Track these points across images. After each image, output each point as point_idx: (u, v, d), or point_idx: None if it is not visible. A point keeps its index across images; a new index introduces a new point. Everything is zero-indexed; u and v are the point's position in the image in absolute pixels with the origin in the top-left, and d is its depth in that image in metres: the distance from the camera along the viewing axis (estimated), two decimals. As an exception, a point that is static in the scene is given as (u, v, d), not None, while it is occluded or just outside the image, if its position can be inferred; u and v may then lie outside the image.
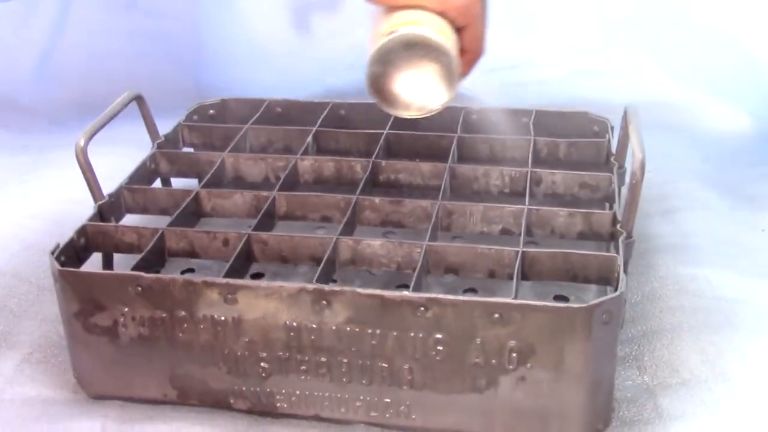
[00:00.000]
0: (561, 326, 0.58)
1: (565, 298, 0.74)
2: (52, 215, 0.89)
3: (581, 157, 0.80)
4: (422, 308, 0.59)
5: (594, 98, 1.02)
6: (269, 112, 0.90)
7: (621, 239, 0.65)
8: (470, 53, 0.64)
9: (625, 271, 0.64)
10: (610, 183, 0.74)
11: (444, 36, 0.60)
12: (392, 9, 0.62)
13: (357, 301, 0.60)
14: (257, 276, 0.76)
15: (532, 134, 0.81)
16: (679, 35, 1.09)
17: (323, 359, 0.62)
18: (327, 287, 0.60)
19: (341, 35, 1.15)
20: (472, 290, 0.74)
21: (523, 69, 1.12)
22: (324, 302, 0.60)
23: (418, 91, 0.62)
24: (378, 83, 0.62)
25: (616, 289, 0.60)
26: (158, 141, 0.82)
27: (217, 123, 0.89)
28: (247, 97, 0.91)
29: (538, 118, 0.85)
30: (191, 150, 0.86)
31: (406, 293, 0.59)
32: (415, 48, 0.60)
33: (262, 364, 0.63)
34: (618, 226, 0.66)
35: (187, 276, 0.64)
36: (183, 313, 0.62)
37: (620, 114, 0.74)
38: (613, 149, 0.79)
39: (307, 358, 0.62)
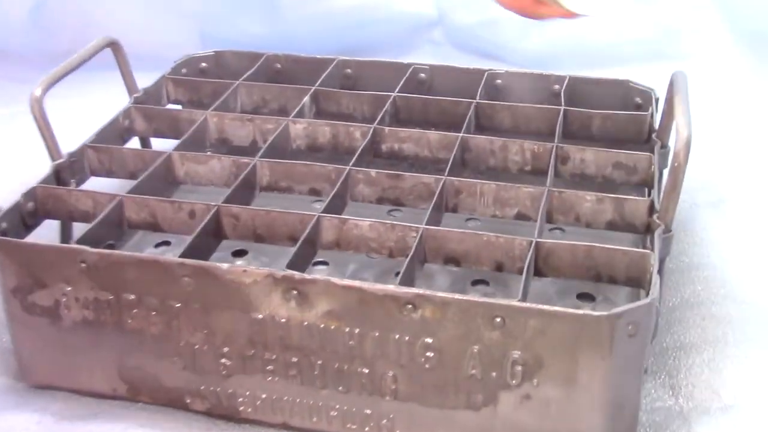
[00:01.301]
0: (576, 337, 0.48)
1: (590, 297, 0.64)
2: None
3: (618, 133, 0.69)
4: (409, 306, 0.50)
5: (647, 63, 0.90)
6: (267, 68, 0.80)
7: (657, 232, 0.55)
8: None
9: (660, 271, 0.54)
10: (650, 164, 0.63)
11: None
12: None
13: (332, 293, 0.51)
14: (240, 254, 0.68)
15: (563, 104, 0.71)
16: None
17: (293, 359, 0.53)
18: (298, 275, 0.51)
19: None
20: (483, 282, 0.65)
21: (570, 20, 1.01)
22: (294, 292, 0.51)
23: None
24: None
25: (647, 294, 0.50)
26: (136, 95, 0.74)
27: (209, 78, 0.80)
28: (244, 51, 0.82)
29: (571, 86, 0.74)
30: (179, 107, 0.77)
31: (389, 287, 0.50)
32: None
33: (222, 360, 0.55)
34: (655, 217, 0.56)
35: (137, 253, 0.56)
36: (132, 296, 0.54)
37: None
38: (657, 125, 0.68)
39: (274, 357, 0.54)
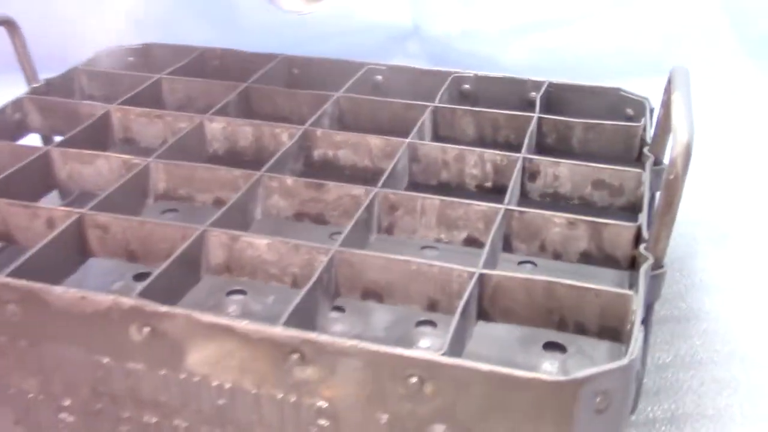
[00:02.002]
0: (522, 410, 0.32)
1: (560, 348, 0.48)
2: None
3: (603, 147, 0.54)
4: (295, 355, 0.34)
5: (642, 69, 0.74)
6: (203, 64, 0.66)
7: (644, 268, 0.39)
8: None
9: (646, 320, 0.38)
10: (639, 183, 0.48)
11: None
12: None
13: (196, 333, 0.35)
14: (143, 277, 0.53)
15: (537, 111, 0.56)
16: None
17: (152, 419, 0.38)
18: (150, 306, 0.36)
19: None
20: (430, 324, 0.49)
21: (555, 28, 0.84)
22: (147, 329, 0.36)
23: None
24: None
25: (625, 353, 0.34)
26: (35, 85, 0.59)
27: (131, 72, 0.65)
28: (178, 44, 0.68)
29: (551, 93, 0.59)
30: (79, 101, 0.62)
31: (270, 329, 0.34)
32: None
33: (62, 415, 0.39)
34: (642, 248, 0.41)
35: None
36: (-54, 325, 0.39)
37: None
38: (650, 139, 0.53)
39: (127, 416, 0.38)
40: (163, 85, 0.61)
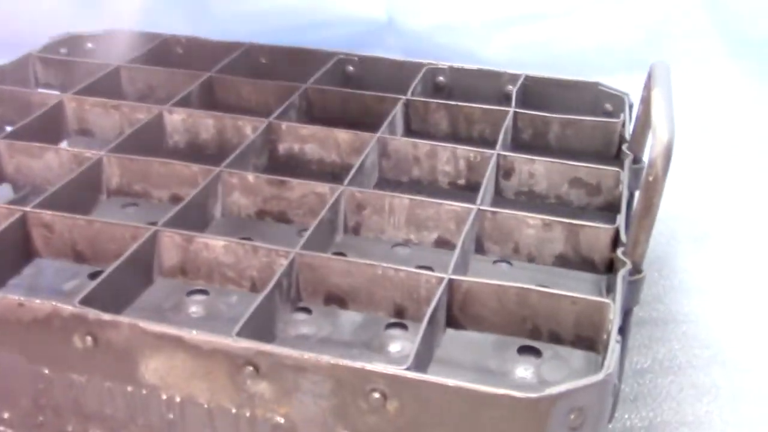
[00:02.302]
0: (488, 428, 0.31)
1: (536, 352, 0.46)
2: None
3: (581, 143, 0.52)
4: (249, 368, 0.32)
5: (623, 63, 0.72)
6: (166, 53, 0.63)
7: (622, 273, 0.37)
8: None
9: (624, 329, 0.37)
10: (618, 182, 0.46)
11: None
12: None
13: (142, 343, 0.33)
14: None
15: (513, 105, 0.54)
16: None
17: None
18: (93, 314, 0.33)
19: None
20: (401, 327, 0.47)
21: (536, 23, 0.82)
22: (89, 339, 0.34)
23: None
24: None
25: (601, 365, 0.33)
26: (-15, 73, 0.56)
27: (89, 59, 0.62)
28: (140, 31, 0.65)
29: (528, 87, 0.57)
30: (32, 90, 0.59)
31: (221, 339, 0.32)
32: None
33: (1, 428, 0.37)
34: (620, 252, 0.39)
35: None
36: None
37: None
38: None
39: (70, 429, 0.36)
40: (122, 74, 0.59)
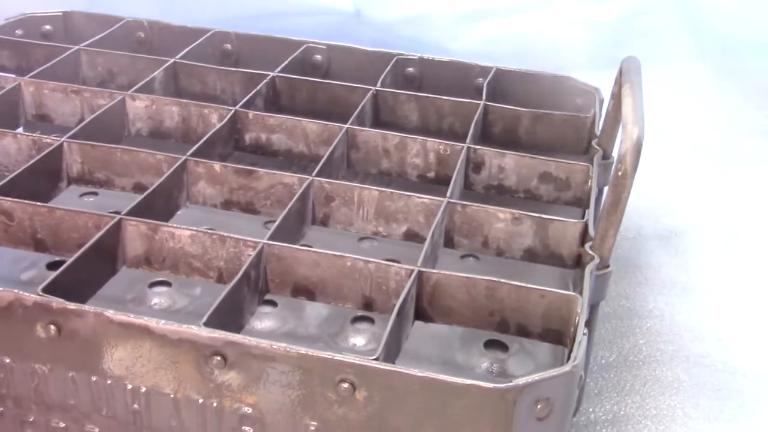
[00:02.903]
0: (459, 418, 0.32)
1: (502, 347, 0.48)
2: None
3: (551, 138, 0.54)
4: (217, 357, 0.33)
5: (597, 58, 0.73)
6: (127, 37, 0.63)
7: (590, 267, 0.39)
8: None
9: (590, 322, 0.38)
10: (587, 177, 0.47)
11: None
12: None
13: (107, 332, 0.34)
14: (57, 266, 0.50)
15: (484, 98, 0.55)
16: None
17: (59, 424, 0.36)
18: (56, 302, 0.34)
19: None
20: (367, 320, 0.48)
21: (508, 14, 0.83)
22: (53, 328, 0.34)
23: None
24: None
25: (568, 358, 0.34)
26: (-63, 54, 0.56)
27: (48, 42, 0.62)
28: (101, 13, 0.65)
29: (498, 80, 0.59)
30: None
31: (188, 329, 0.33)
32: None
33: (-41, 418, 0.37)
34: (588, 246, 0.40)
35: None
36: None
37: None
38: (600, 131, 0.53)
39: (32, 419, 0.36)
40: (81, 58, 0.59)
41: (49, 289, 0.35)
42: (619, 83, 0.46)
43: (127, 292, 0.46)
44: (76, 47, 0.59)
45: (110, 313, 0.33)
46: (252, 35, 0.63)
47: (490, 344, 0.48)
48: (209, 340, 0.33)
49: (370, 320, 0.49)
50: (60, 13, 0.65)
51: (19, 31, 0.63)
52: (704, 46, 0.80)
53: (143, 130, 0.53)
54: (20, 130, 0.53)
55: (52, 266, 0.48)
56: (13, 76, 0.54)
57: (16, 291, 0.34)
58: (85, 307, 0.34)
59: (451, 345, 0.46)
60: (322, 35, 0.71)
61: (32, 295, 0.34)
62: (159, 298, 0.47)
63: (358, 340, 0.46)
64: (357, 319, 0.48)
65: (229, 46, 0.63)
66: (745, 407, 0.47)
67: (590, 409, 0.47)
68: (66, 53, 0.58)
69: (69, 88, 0.53)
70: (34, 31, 0.64)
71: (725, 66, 0.78)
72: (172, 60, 0.58)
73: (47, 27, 0.64)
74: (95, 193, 0.54)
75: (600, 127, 0.53)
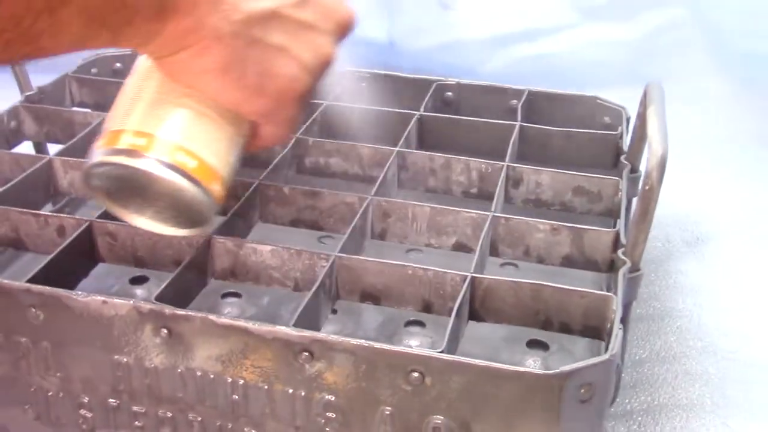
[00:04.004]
0: (513, 401, 0.38)
1: (543, 346, 0.53)
2: None
3: (582, 155, 0.59)
4: (305, 353, 0.39)
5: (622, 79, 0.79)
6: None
7: (622, 271, 0.44)
8: (263, 142, 0.45)
9: (624, 319, 0.44)
10: (617, 190, 0.53)
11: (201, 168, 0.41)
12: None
13: (212, 334, 0.40)
14: (140, 281, 0.56)
15: (519, 119, 0.61)
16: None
17: (167, 414, 0.43)
18: (168, 309, 0.40)
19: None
20: (419, 324, 0.54)
21: (534, 38, 0.89)
22: (165, 331, 0.41)
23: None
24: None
25: (606, 349, 0.40)
26: (28, 93, 0.63)
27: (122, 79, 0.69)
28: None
29: (531, 101, 0.64)
30: (75, 110, 0.66)
31: (281, 329, 0.39)
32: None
33: (82, 411, 0.44)
34: (620, 252, 0.46)
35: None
36: (-31, 328, 0.43)
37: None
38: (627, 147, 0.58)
39: (144, 411, 0.43)
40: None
41: (160, 298, 0.41)
42: (644, 105, 0.52)
43: (203, 303, 0.53)
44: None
45: (214, 317, 0.40)
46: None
47: (532, 344, 0.54)
48: (299, 338, 0.39)
49: (422, 324, 0.55)
50: (129, 52, 0.72)
51: (94, 70, 0.70)
52: (724, 61, 0.85)
53: (214, 158, 0.60)
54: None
55: (133, 281, 0.55)
56: (98, 112, 0.61)
57: (133, 300, 0.41)
58: (193, 312, 0.40)
59: (497, 346, 0.52)
60: (359, 64, 0.78)
61: (148, 304, 0.40)
62: (231, 307, 0.53)
63: (412, 342, 0.52)
64: (409, 323, 0.55)
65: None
66: None
67: (626, 401, 0.52)
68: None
69: (148, 122, 0.60)
70: (107, 69, 0.71)
71: (745, 79, 0.83)
72: (235, 92, 0.64)
73: (118, 65, 0.72)
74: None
75: (627, 143, 0.59)
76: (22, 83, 0.63)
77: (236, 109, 0.41)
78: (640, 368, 0.54)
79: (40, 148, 0.65)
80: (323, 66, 0.43)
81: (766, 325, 0.58)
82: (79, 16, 0.33)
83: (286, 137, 0.47)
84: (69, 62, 0.69)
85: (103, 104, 0.64)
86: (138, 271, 0.54)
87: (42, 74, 0.65)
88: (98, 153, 0.41)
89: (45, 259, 0.45)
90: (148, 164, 0.39)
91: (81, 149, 0.57)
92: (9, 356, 0.43)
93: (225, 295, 0.55)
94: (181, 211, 0.42)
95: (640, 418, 0.51)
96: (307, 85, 0.42)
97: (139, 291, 0.54)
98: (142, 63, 0.44)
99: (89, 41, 0.35)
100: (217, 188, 0.42)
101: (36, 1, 0.31)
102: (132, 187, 0.41)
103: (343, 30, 0.44)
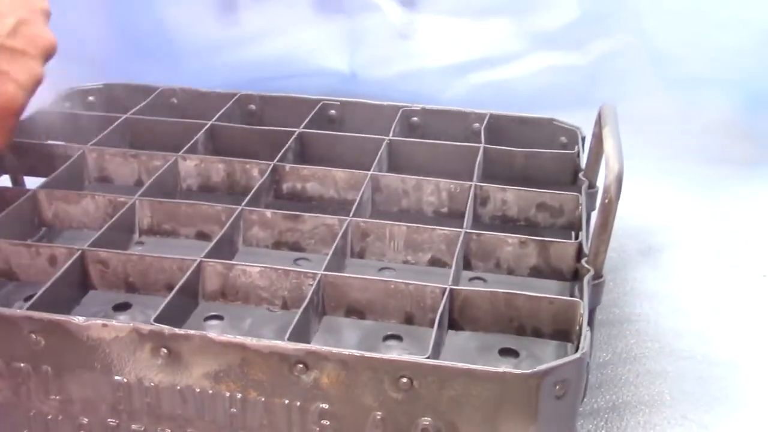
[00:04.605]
0: (496, 400, 0.41)
1: (514, 353, 0.57)
2: None
3: (543, 173, 0.63)
4: (300, 365, 0.42)
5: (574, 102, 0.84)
6: (162, 104, 0.73)
7: (587, 279, 0.48)
8: None
9: (590, 323, 0.47)
10: (577, 205, 0.57)
11: None
12: None
13: (210, 351, 0.42)
14: (122, 307, 0.58)
15: (483, 142, 0.65)
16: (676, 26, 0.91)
17: (166, 430, 0.45)
18: (168, 330, 0.43)
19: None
20: (396, 338, 0.57)
21: (491, 65, 0.94)
22: (164, 351, 0.43)
23: None
24: None
25: (576, 349, 0.43)
26: (6, 128, 0.65)
27: (95, 112, 0.71)
28: (138, 83, 0.74)
29: (492, 124, 0.68)
30: (54, 143, 0.68)
31: (276, 343, 0.42)
32: None
33: (81, 432, 0.46)
34: (584, 262, 0.50)
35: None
36: (-30, 357, 0.45)
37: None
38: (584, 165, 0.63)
39: (143, 429, 0.45)
40: (130, 125, 0.68)
41: (158, 320, 0.44)
42: (599, 125, 0.56)
43: (187, 326, 0.55)
44: (125, 116, 0.68)
45: (212, 335, 0.42)
46: (273, 96, 0.73)
47: (504, 352, 0.57)
48: (294, 351, 0.42)
49: (399, 338, 0.58)
50: (101, 86, 0.74)
51: (67, 103, 0.72)
52: (668, 85, 0.91)
53: (193, 186, 0.62)
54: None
55: (116, 308, 0.57)
56: (78, 145, 0.63)
57: (132, 323, 0.43)
58: (191, 331, 0.42)
59: (471, 354, 0.55)
60: (324, 95, 0.82)
61: (147, 325, 0.43)
62: (214, 330, 0.56)
63: (392, 354, 0.55)
64: (387, 337, 0.58)
65: (253, 106, 0.73)
66: (722, 390, 0.56)
67: (593, 400, 0.56)
68: (117, 121, 0.67)
69: (128, 153, 0.62)
70: (80, 102, 0.73)
71: (688, 100, 0.89)
72: (209, 123, 0.67)
73: (90, 98, 0.74)
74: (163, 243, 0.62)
75: (584, 161, 0.63)
76: (0, 119, 0.65)
77: None
78: (604, 370, 0.58)
79: (17, 182, 0.67)
80: (35, 85, 0.53)
81: (716, 324, 0.63)
82: None
83: (3, 146, 0.55)
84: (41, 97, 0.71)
85: (77, 137, 0.66)
86: (122, 297, 0.56)
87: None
88: None
89: (36, 288, 0.47)
90: None
91: (64, 181, 0.60)
92: (9, 382, 0.45)
93: (207, 318, 0.57)
94: None
95: (606, 416, 0.54)
96: (24, 101, 0.53)
97: (122, 317, 0.56)
98: None
99: None
100: None
101: None
102: None
103: (48, 54, 0.54)
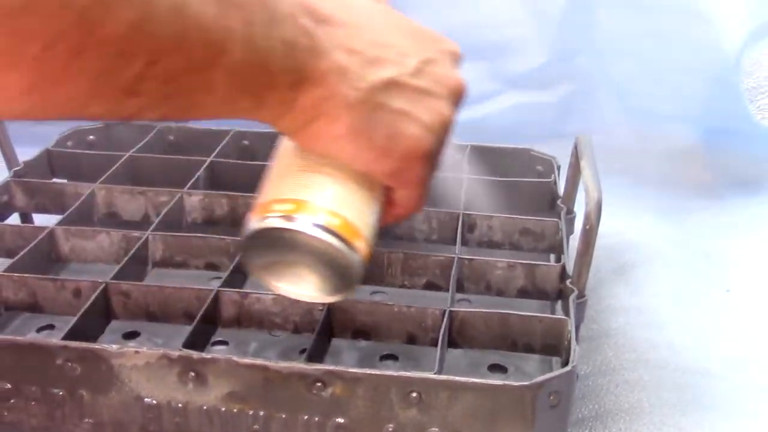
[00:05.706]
0: (497, 410, 0.45)
1: (502, 369, 0.61)
2: None
3: (523, 200, 0.68)
4: (318, 383, 0.46)
5: (545, 134, 0.90)
6: (160, 141, 0.76)
7: (572, 298, 0.53)
8: (399, 209, 0.48)
9: (576, 338, 0.52)
10: (557, 230, 0.62)
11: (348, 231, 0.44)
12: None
13: (234, 373, 0.46)
14: (131, 336, 0.62)
15: (466, 172, 0.70)
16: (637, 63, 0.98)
17: (191, 448, 0.49)
18: (195, 354, 0.47)
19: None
20: (392, 358, 0.61)
21: (468, 104, 0.99)
22: (192, 374, 0.47)
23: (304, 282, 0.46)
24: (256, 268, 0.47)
25: (566, 362, 0.48)
26: (16, 168, 0.68)
27: (98, 151, 0.75)
28: (135, 122, 0.78)
29: (473, 155, 0.73)
30: (64, 182, 0.72)
31: (296, 364, 0.46)
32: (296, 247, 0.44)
33: (111, 453, 0.49)
34: (568, 282, 0.55)
35: (12, 336, 0.50)
36: (8, 385, 0.48)
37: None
38: (561, 192, 0.68)
39: (170, 447, 0.49)
40: (133, 162, 0.71)
41: (184, 347, 0.47)
42: (575, 155, 0.61)
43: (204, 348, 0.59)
44: (128, 154, 0.72)
45: (236, 358, 0.46)
46: (266, 132, 0.77)
47: (493, 368, 0.62)
48: (313, 371, 0.46)
49: (395, 357, 0.62)
50: (102, 125, 0.78)
51: (69, 143, 0.76)
52: (630, 117, 0.98)
53: (198, 219, 0.66)
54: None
55: (126, 336, 0.60)
56: (88, 184, 0.67)
57: (163, 349, 0.47)
58: (218, 355, 0.46)
59: (463, 371, 0.60)
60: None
61: (176, 352, 0.47)
62: (220, 354, 0.59)
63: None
64: (383, 357, 0.62)
65: (246, 142, 0.77)
66: (695, 396, 0.61)
67: (578, 410, 0.60)
68: (121, 159, 0.71)
69: (136, 190, 0.66)
70: (82, 142, 0.76)
71: (648, 133, 0.97)
72: (209, 159, 0.71)
73: (91, 137, 0.77)
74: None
75: (561, 189, 0.68)
76: (10, 159, 0.69)
77: (368, 170, 0.44)
78: (586, 381, 0.63)
79: (26, 219, 0.70)
80: (443, 127, 0.46)
81: (686, 336, 0.68)
82: (226, 77, 0.35)
83: (420, 201, 0.48)
84: (47, 137, 0.75)
85: (82, 175, 0.70)
86: (128, 327, 0.59)
87: (21, 147, 0.70)
88: (253, 222, 0.44)
89: (50, 319, 0.51)
90: (300, 225, 0.42)
91: (78, 218, 0.63)
92: (44, 408, 0.49)
93: (214, 343, 0.61)
94: (332, 269, 0.44)
95: (591, 424, 0.59)
96: (431, 144, 0.45)
97: (132, 344, 0.59)
98: (281, 145, 0.48)
99: (231, 106, 0.38)
100: (361, 246, 0.44)
101: (193, 58, 0.34)
102: (285, 252, 0.44)
103: (457, 96, 0.47)
